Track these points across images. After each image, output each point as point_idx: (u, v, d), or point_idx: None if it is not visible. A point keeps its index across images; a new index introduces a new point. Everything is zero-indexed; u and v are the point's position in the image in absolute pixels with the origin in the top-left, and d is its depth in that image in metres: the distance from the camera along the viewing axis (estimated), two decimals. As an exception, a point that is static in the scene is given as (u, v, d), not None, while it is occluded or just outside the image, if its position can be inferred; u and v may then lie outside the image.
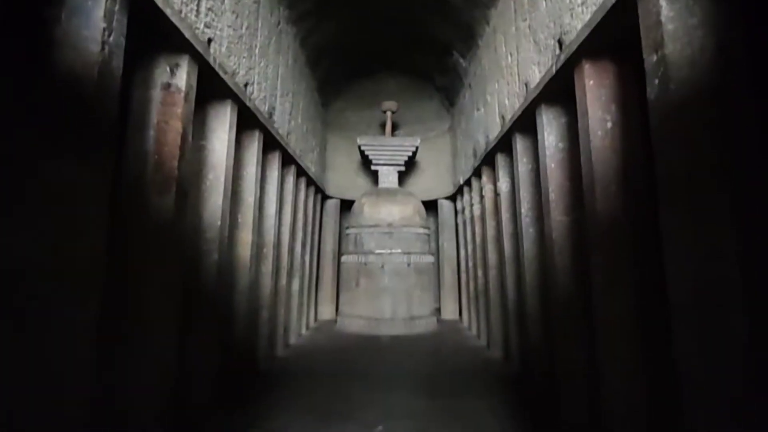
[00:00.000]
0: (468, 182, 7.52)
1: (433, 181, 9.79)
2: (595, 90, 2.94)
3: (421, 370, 5.13)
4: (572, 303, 3.43)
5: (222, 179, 3.85)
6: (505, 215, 5.32)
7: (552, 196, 3.65)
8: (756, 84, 1.79)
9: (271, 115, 5.20)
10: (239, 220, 4.53)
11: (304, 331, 7.38)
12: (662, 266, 1.99)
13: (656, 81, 2.04)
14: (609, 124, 2.83)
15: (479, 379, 4.73)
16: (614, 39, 2.78)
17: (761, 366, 1.61)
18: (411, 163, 9.54)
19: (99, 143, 2.07)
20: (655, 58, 2.06)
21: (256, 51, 4.71)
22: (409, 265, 7.80)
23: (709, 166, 1.78)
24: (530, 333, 4.34)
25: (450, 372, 5.04)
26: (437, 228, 9.75)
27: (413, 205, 8.43)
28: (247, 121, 4.48)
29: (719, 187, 1.74)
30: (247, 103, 4.26)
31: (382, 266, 7.74)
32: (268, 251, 5.32)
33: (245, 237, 4.54)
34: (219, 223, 3.75)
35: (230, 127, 3.96)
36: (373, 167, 9.09)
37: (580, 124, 3.02)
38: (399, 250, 7.81)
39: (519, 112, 4.40)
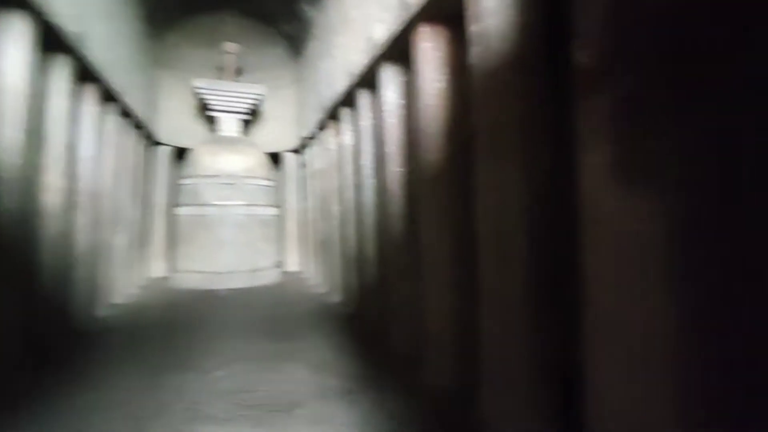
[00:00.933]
0: (313, 135, 7.57)
1: (279, 132, 9.55)
2: (430, 52, 3.24)
3: (264, 318, 5.21)
4: (404, 246, 3.86)
5: (16, 109, 3.19)
6: (348, 168, 5.56)
7: (391, 149, 3.96)
8: (551, 56, 2.22)
9: (84, 39, 4.38)
10: (44, 161, 3.83)
11: (132, 289, 6.72)
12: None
13: (476, 49, 2.37)
14: (440, 84, 3.17)
15: (320, 321, 5.02)
16: (449, 7, 3.07)
17: (537, 277, 2.12)
18: (255, 113, 9.12)
19: None
20: (476, 29, 2.38)
21: (61, -45, 3.88)
22: (251, 217, 7.63)
23: (512, 121, 2.18)
24: (368, 277, 4.74)
25: (292, 318, 5.23)
26: (282, 181, 9.63)
27: (256, 156, 8.16)
28: (52, 42, 3.72)
29: (518, 136, 2.16)
30: (49, 18, 3.53)
31: (223, 219, 7.42)
32: (85, 200, 4.64)
33: (53, 181, 3.88)
34: (14, 161, 3.13)
35: (25, 46, 3.26)
36: (212, 113, 8.43)
37: (415, 83, 3.32)
38: (241, 202, 7.55)
39: (363, 68, 4.57)
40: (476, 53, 2.38)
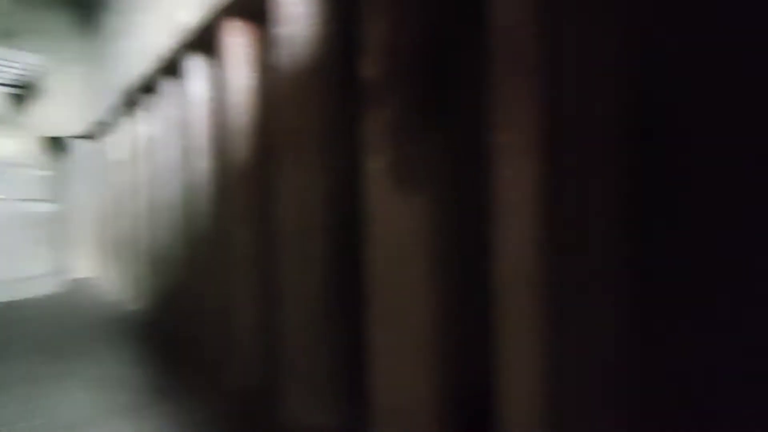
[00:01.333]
0: (112, 122, 6.61)
1: (66, 114, 7.99)
2: (239, 48, 3.17)
3: (35, 335, 4.36)
4: (213, 247, 3.68)
5: None
6: (152, 160, 5.03)
7: (198, 143, 3.74)
8: (350, 67, 2.39)
9: None
10: None
11: None
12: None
13: (280, 52, 2.43)
14: (250, 82, 3.13)
15: (113, 333, 4.45)
16: (257, 6, 3.04)
17: (335, 275, 2.27)
18: (31, 88, 7.48)
19: None
20: (280, 32, 2.43)
21: None
22: (19, 214, 6.25)
23: (312, 124, 2.31)
24: (174, 280, 4.38)
25: (76, 331, 4.51)
26: (70, 171, 8.11)
27: (27, 138, 6.73)
28: None
29: (318, 140, 2.29)
30: None
31: (-23, 216, 5.92)
32: None
33: None
34: None
35: None
36: (-41, 82, 6.64)
37: (223, 78, 3.22)
38: (3, 196, 6.12)
39: (168, 54, 4.20)
40: (280, 56, 2.43)
